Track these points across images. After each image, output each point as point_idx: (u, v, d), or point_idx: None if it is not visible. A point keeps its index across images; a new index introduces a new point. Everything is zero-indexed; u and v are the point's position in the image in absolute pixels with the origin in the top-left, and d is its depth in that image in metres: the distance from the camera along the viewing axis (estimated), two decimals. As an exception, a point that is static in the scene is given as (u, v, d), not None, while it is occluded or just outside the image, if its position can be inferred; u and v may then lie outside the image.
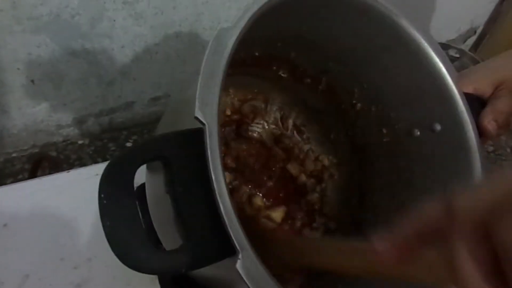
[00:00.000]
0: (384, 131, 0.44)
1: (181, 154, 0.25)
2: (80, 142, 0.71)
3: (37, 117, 0.65)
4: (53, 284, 0.41)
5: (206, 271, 0.31)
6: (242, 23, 0.27)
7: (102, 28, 0.59)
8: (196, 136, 0.24)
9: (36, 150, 0.68)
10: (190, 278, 0.38)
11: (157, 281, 0.42)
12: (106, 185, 0.24)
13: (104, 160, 0.68)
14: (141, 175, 0.36)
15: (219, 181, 0.23)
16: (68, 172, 0.51)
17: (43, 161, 0.61)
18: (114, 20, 0.59)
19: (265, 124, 0.51)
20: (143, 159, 0.26)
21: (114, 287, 0.42)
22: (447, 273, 0.19)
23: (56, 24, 0.55)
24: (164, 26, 0.63)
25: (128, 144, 0.72)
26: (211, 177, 0.23)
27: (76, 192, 0.48)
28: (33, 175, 0.60)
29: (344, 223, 0.49)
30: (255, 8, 0.28)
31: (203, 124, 0.23)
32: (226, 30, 0.26)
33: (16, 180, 0.63)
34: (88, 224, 0.45)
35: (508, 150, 0.78)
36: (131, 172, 0.25)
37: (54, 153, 0.68)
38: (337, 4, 0.35)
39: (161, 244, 0.34)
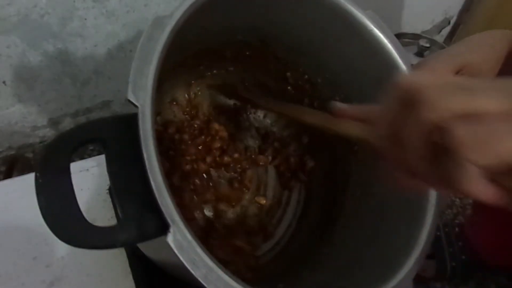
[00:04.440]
0: None
1: (118, 136, 0.27)
2: (57, 142, 0.70)
3: (11, 118, 0.64)
4: (25, 283, 0.41)
5: (164, 256, 0.32)
6: (180, 12, 0.28)
7: (73, 27, 0.59)
8: (133, 119, 0.25)
9: (12, 152, 0.67)
10: (162, 271, 0.38)
11: (130, 276, 0.42)
12: (43, 165, 0.25)
13: (81, 159, 0.67)
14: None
15: (151, 158, 0.24)
16: (41, 172, 0.51)
17: (18, 163, 0.61)
18: (85, 19, 0.59)
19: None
20: (79, 141, 0.27)
21: (87, 284, 0.42)
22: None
23: (25, 24, 0.55)
24: (137, 24, 0.63)
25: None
26: (143, 155, 0.24)
27: (49, 191, 0.47)
28: (8, 176, 0.60)
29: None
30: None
31: (136, 106, 0.25)
32: (162, 18, 0.27)
33: (-9, 182, 0.63)
34: (61, 223, 0.45)
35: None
36: (68, 153, 0.26)
37: (30, 155, 0.68)
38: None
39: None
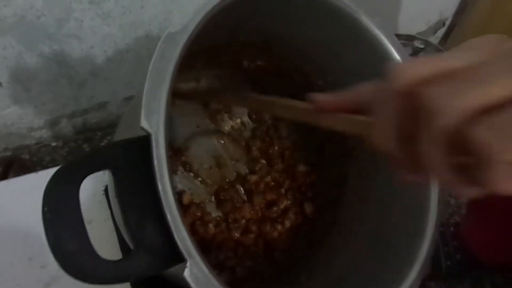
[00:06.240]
0: None
1: (128, 163, 0.25)
2: (53, 144, 0.70)
3: (7, 120, 0.64)
4: (21, 284, 0.41)
5: (176, 281, 0.32)
6: (192, 26, 0.26)
7: (70, 29, 0.59)
8: (144, 143, 0.24)
9: (8, 153, 0.67)
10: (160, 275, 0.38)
11: (126, 276, 0.42)
12: (51, 197, 0.24)
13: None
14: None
15: (166, 190, 0.23)
16: (37, 173, 0.51)
17: (14, 164, 0.61)
18: (82, 21, 0.59)
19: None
20: (89, 169, 0.25)
21: (83, 285, 0.42)
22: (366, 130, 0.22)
23: (21, 25, 0.55)
24: (133, 26, 0.63)
25: (103, 145, 0.72)
26: (158, 187, 0.23)
27: (45, 192, 0.48)
28: (4, 178, 0.60)
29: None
30: (207, 9, 0.27)
31: (149, 133, 0.23)
32: (174, 34, 0.26)
33: (-13, 184, 0.63)
34: (57, 224, 0.45)
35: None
36: (77, 184, 0.24)
37: (27, 156, 0.68)
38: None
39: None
